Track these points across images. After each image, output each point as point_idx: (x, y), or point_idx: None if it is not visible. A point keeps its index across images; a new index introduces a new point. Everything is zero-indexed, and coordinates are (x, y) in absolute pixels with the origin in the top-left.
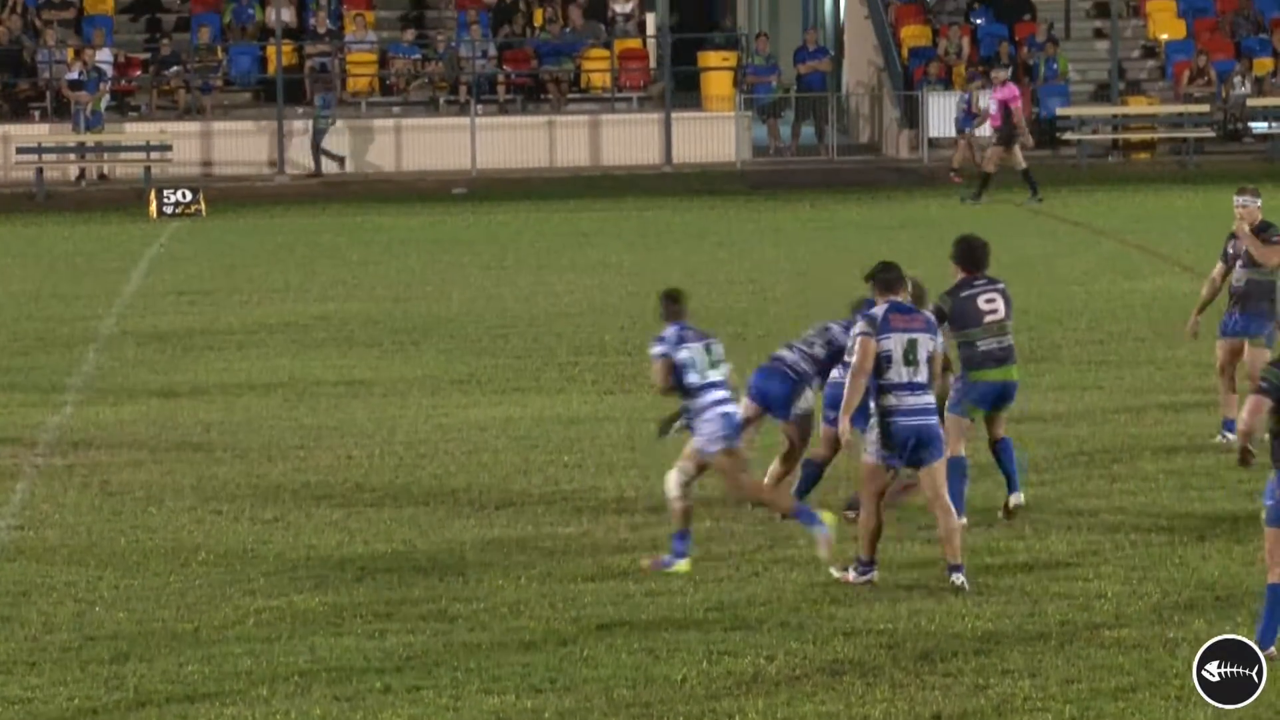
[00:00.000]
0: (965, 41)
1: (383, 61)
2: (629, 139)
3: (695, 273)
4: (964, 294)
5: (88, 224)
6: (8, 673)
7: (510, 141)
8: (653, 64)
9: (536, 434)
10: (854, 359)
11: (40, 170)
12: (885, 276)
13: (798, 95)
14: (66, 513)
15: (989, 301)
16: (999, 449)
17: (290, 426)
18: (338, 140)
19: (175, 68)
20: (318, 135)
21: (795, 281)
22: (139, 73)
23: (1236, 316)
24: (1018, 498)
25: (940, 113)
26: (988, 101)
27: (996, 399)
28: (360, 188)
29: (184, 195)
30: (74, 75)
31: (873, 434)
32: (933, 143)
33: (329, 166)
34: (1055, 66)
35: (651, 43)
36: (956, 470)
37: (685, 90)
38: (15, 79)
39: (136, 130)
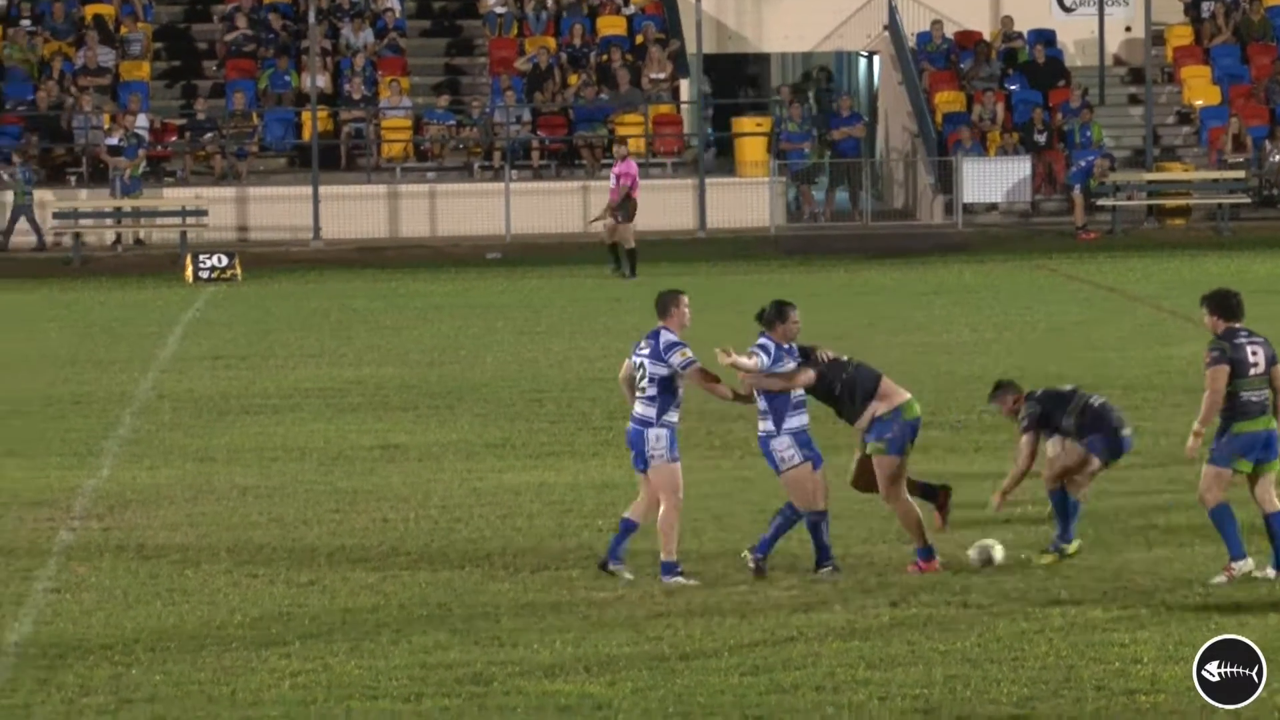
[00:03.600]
0: (999, 108)
1: (417, 127)
2: (663, 204)
3: (729, 338)
4: (1236, 342)
5: (124, 289)
6: None
7: (544, 207)
8: (686, 129)
9: (571, 499)
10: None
11: (77, 235)
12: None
13: (832, 161)
14: (103, 576)
15: (1253, 353)
16: (1273, 521)
17: (325, 490)
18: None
19: (211, 133)
20: (21, 210)
21: (832, 347)
22: (174, 138)
23: None
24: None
25: (975, 178)
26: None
27: (1262, 448)
28: (395, 253)
29: (220, 260)
30: (113, 141)
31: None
32: (967, 208)
33: (26, 240)
34: (1089, 133)
35: (685, 109)
36: (1225, 516)
37: (719, 156)
38: (52, 144)
39: (173, 196)
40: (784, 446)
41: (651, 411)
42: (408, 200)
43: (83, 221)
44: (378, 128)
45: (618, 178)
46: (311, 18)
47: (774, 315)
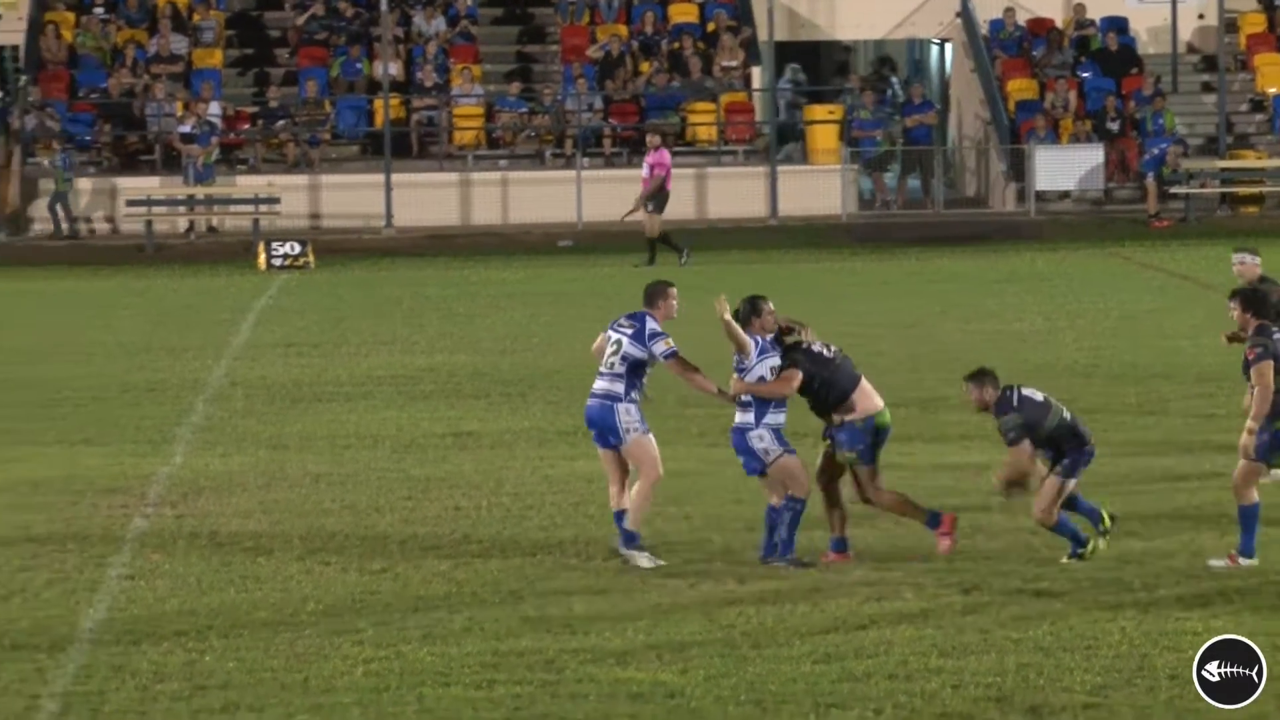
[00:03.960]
0: (1072, 95)
1: (489, 115)
2: (734, 192)
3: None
4: (1276, 338)
5: (197, 276)
6: None
7: (616, 194)
8: (758, 117)
9: None
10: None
11: (150, 223)
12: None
13: (904, 148)
14: (176, 562)
15: None
16: None
17: (398, 478)
18: (73, 200)
19: (283, 121)
20: (58, 197)
21: (902, 335)
22: (247, 126)
23: None
24: None
25: (1047, 166)
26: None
27: None
28: (467, 241)
29: (292, 248)
30: (186, 129)
31: None
32: (1040, 196)
33: (64, 226)
34: (1162, 121)
35: (757, 96)
36: (1252, 515)
37: (795, 143)
38: (125, 132)
39: (245, 183)
40: (761, 438)
41: (619, 387)
42: (479, 188)
43: (156, 209)
44: (450, 115)
45: (652, 168)
46: (383, 5)
47: (749, 311)
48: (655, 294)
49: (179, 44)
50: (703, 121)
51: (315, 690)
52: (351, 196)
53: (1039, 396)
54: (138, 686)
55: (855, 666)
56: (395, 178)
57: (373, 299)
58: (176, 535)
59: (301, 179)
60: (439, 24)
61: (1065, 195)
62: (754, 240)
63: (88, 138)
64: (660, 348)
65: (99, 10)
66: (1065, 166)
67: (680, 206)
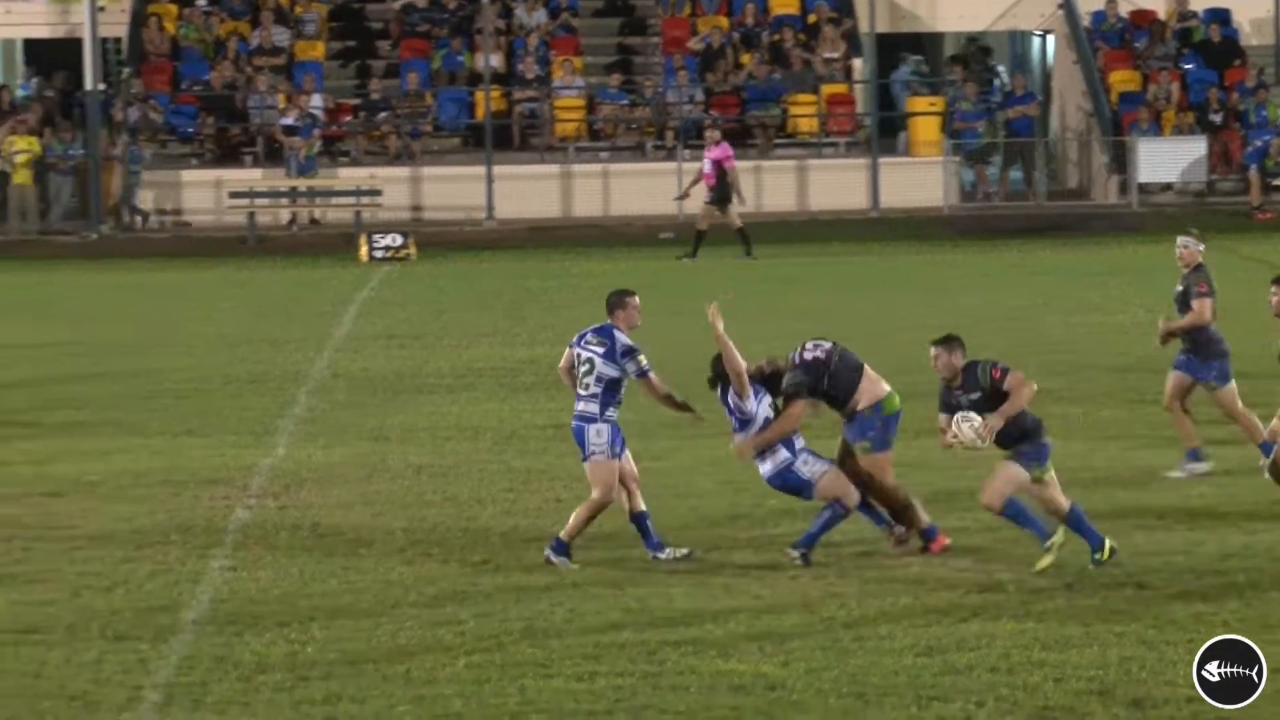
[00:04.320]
0: (1175, 87)
1: (590, 107)
2: (835, 184)
3: (902, 318)
4: None
5: (299, 268)
6: (221, 713)
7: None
8: (859, 109)
9: (744, 477)
10: None
11: (252, 214)
12: None
13: (1005, 140)
14: (278, 554)
15: None
16: None
17: (499, 469)
18: (143, 194)
19: (385, 113)
20: (128, 191)
21: (1003, 327)
22: (349, 118)
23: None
24: None
25: (1150, 158)
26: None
27: None
28: (568, 233)
29: (394, 240)
30: (288, 121)
31: None
32: (1142, 188)
33: (135, 220)
34: (1265, 112)
35: (858, 88)
36: None
37: (892, 135)
38: (228, 124)
39: (347, 175)
40: (804, 463)
41: (594, 408)
42: (580, 180)
43: (258, 201)
44: (551, 107)
45: (718, 163)
46: None
47: (724, 370)
48: (615, 304)
49: (281, 36)
50: (804, 113)
51: (417, 682)
52: (453, 188)
53: None
54: (240, 677)
55: (957, 659)
56: (496, 170)
57: (474, 291)
58: (279, 527)
59: (403, 171)
60: (540, 16)
61: (1167, 187)
62: (855, 232)
63: (190, 130)
64: (633, 367)
65: (202, 2)
66: (1168, 158)
67: (781, 198)
